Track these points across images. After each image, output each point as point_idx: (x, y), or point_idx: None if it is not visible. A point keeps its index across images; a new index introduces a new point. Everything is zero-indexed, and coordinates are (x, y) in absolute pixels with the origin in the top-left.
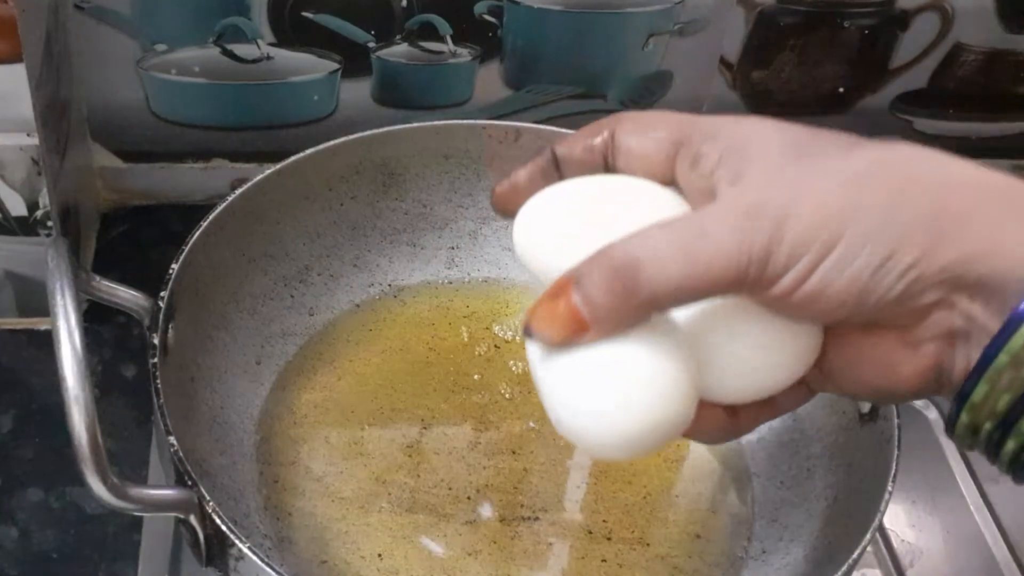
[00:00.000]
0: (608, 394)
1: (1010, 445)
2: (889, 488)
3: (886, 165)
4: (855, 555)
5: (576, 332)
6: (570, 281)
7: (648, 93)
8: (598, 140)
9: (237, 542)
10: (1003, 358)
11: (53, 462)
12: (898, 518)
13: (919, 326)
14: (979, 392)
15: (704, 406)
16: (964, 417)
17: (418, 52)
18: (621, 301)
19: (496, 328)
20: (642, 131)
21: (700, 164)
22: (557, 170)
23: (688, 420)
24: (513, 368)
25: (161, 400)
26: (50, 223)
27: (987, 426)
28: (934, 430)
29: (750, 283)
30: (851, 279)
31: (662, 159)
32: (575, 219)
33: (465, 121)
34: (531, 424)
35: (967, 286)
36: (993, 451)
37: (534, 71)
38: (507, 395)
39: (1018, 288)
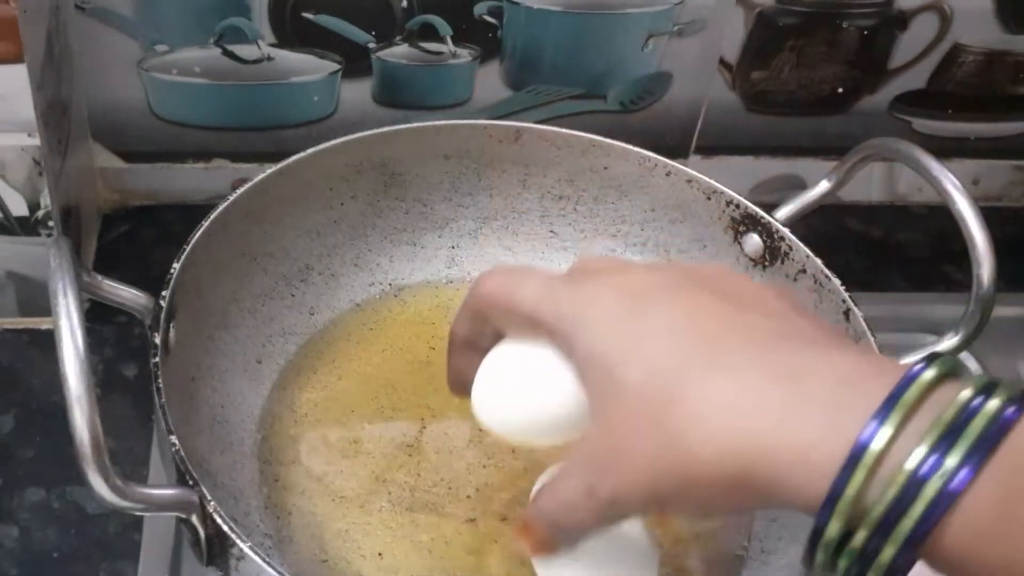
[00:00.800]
0: None
1: None
2: None
3: (679, 437)
4: None
5: (548, 550)
6: (526, 523)
7: (648, 93)
8: (478, 326)
9: (238, 542)
10: (850, 492)
11: (54, 462)
12: None
13: None
14: (832, 529)
15: None
16: (820, 556)
17: (418, 52)
18: (563, 539)
19: None
20: (505, 318)
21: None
22: (475, 346)
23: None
24: None
25: (162, 400)
26: (51, 223)
27: (843, 563)
28: None
29: None
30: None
31: (531, 338)
32: (506, 393)
33: (466, 121)
34: None
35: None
36: None
37: (534, 72)
38: None
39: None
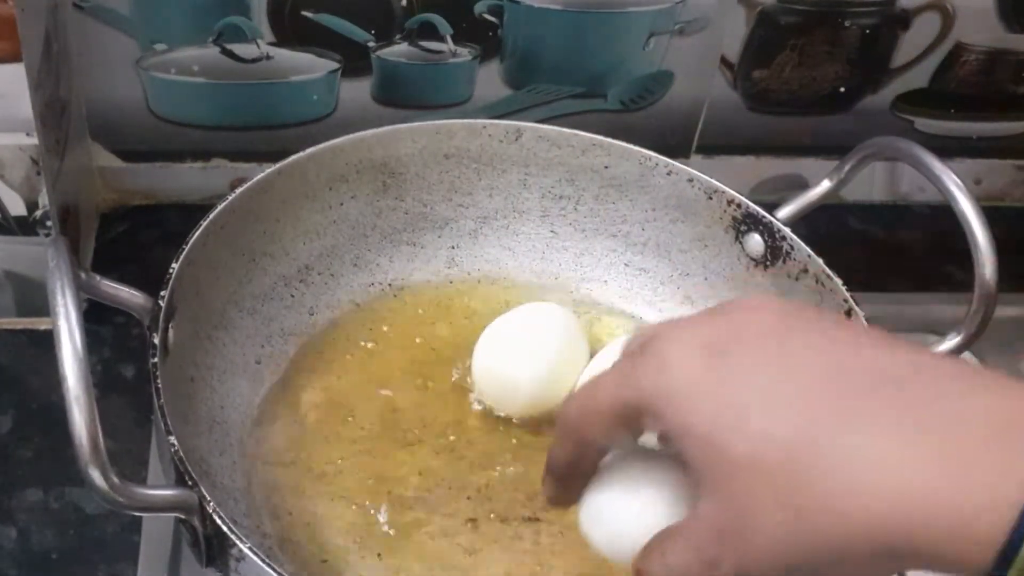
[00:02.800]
0: None
1: None
2: None
3: (814, 512)
4: None
5: None
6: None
7: (648, 93)
8: (576, 451)
9: (238, 543)
10: None
11: (53, 462)
12: None
13: None
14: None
15: None
16: None
17: (418, 51)
18: None
19: None
20: (598, 432)
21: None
22: (577, 470)
23: None
24: None
25: (161, 400)
26: (49, 223)
27: None
28: None
29: None
30: None
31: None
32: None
33: (466, 120)
34: None
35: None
36: None
37: (534, 71)
38: None
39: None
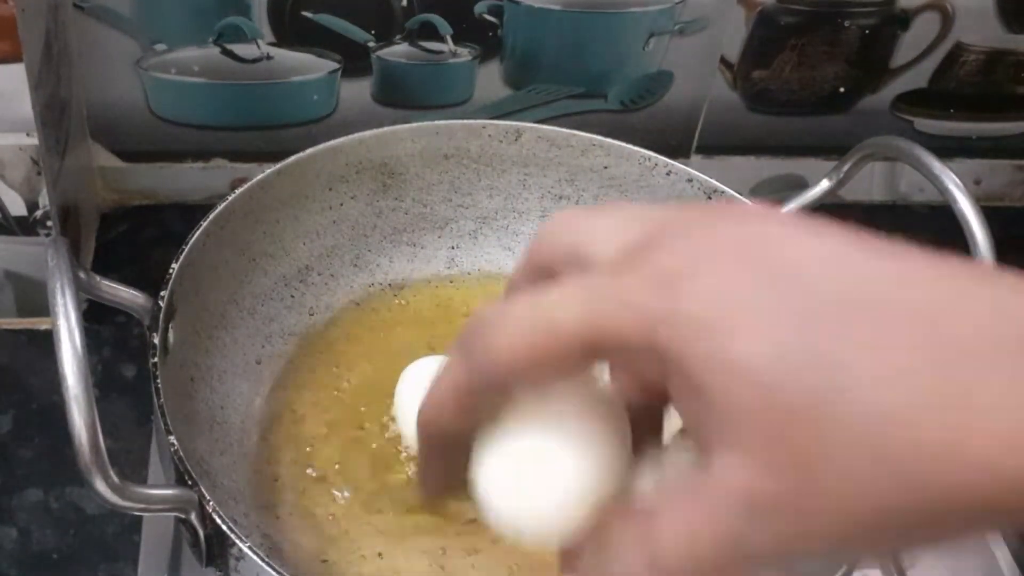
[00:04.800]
0: None
1: None
2: None
3: (926, 463)
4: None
5: None
6: None
7: (649, 93)
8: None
9: (237, 542)
10: None
11: (53, 462)
12: None
13: None
14: None
15: None
16: None
17: (418, 52)
18: None
19: None
20: (559, 369)
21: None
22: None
23: None
24: None
25: (161, 400)
26: (50, 223)
27: None
28: None
29: None
30: None
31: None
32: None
33: (465, 121)
34: None
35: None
36: None
37: (534, 71)
38: None
39: None
